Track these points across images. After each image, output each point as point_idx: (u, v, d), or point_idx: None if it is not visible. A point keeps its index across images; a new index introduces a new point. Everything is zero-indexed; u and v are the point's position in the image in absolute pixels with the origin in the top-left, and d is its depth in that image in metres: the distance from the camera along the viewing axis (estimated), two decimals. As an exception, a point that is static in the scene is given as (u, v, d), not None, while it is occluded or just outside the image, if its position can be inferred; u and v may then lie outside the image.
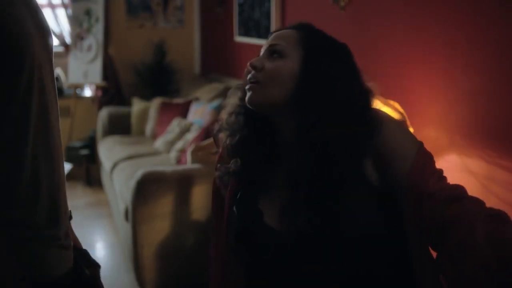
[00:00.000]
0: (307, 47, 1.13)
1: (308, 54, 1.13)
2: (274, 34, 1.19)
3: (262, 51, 1.18)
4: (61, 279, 1.03)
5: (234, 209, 1.19)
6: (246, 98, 1.13)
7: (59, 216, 1.03)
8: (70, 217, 1.20)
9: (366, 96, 1.14)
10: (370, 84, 1.16)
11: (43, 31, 1.01)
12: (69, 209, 1.20)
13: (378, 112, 1.14)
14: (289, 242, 1.10)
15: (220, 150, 1.28)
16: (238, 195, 1.20)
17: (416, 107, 2.15)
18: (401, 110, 1.93)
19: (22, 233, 0.98)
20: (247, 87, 1.13)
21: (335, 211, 1.06)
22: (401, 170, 1.06)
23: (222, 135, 1.25)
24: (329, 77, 1.10)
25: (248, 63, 1.14)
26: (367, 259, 1.09)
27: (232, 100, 1.24)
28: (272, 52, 1.15)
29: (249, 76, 1.13)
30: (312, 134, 1.08)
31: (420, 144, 1.10)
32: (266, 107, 1.13)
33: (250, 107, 1.14)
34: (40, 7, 1.04)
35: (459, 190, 1.05)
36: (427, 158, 1.08)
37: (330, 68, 1.11)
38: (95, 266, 1.20)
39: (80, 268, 1.12)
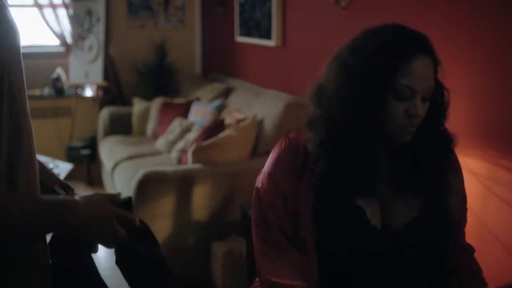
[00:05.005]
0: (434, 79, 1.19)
1: (434, 86, 1.19)
2: (427, 72, 1.15)
3: (415, 88, 1.13)
4: None
5: (328, 205, 1.19)
6: (405, 139, 1.18)
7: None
8: (71, 189, 1.15)
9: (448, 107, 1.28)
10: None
11: (9, 31, 0.92)
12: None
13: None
14: (392, 241, 1.19)
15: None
16: (327, 191, 1.19)
17: (417, 107, 2.14)
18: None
19: None
20: (409, 131, 1.17)
21: (441, 208, 1.23)
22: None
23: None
24: (445, 105, 1.25)
25: (415, 114, 1.14)
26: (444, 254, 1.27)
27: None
28: (426, 94, 1.17)
29: (414, 123, 1.16)
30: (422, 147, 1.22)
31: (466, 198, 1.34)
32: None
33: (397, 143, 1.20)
34: (6, 5, 0.94)
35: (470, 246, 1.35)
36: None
37: (443, 95, 1.24)
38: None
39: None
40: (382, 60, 1.12)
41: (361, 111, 1.14)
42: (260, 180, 1.27)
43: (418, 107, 1.14)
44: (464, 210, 1.33)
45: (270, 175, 1.24)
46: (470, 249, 1.35)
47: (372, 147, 1.18)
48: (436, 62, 1.17)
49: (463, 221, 1.33)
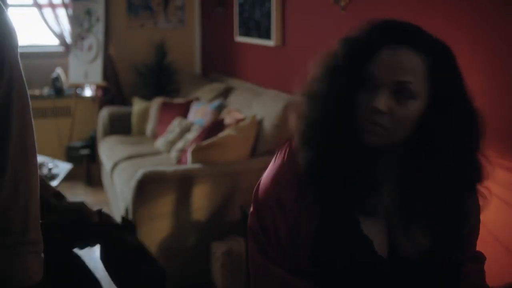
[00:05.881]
0: (436, 84, 1.04)
1: (437, 93, 1.04)
2: (397, 61, 1.02)
3: (379, 77, 1.02)
4: (39, 285, 0.98)
5: (331, 227, 1.10)
6: (366, 138, 1.04)
7: (30, 223, 0.99)
8: (63, 196, 1.19)
9: (481, 136, 1.10)
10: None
11: (10, 33, 0.93)
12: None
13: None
14: (399, 270, 1.11)
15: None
16: (330, 217, 1.10)
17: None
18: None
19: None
20: (367, 129, 1.03)
21: (455, 236, 1.12)
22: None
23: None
24: (458, 123, 1.06)
25: (371, 106, 1.01)
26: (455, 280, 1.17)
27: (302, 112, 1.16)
28: (400, 90, 1.02)
29: (373, 118, 1.02)
30: (419, 174, 1.06)
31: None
32: (383, 147, 1.06)
33: (367, 145, 1.05)
34: (2, 5, 0.94)
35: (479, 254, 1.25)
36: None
37: (459, 111, 1.07)
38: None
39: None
40: (355, 50, 1.05)
41: (336, 106, 1.06)
42: (258, 195, 1.19)
43: (379, 99, 1.00)
44: (478, 221, 1.21)
45: (270, 191, 1.16)
46: (480, 259, 1.26)
47: (355, 150, 1.05)
48: (428, 58, 1.05)
49: (475, 232, 1.23)
